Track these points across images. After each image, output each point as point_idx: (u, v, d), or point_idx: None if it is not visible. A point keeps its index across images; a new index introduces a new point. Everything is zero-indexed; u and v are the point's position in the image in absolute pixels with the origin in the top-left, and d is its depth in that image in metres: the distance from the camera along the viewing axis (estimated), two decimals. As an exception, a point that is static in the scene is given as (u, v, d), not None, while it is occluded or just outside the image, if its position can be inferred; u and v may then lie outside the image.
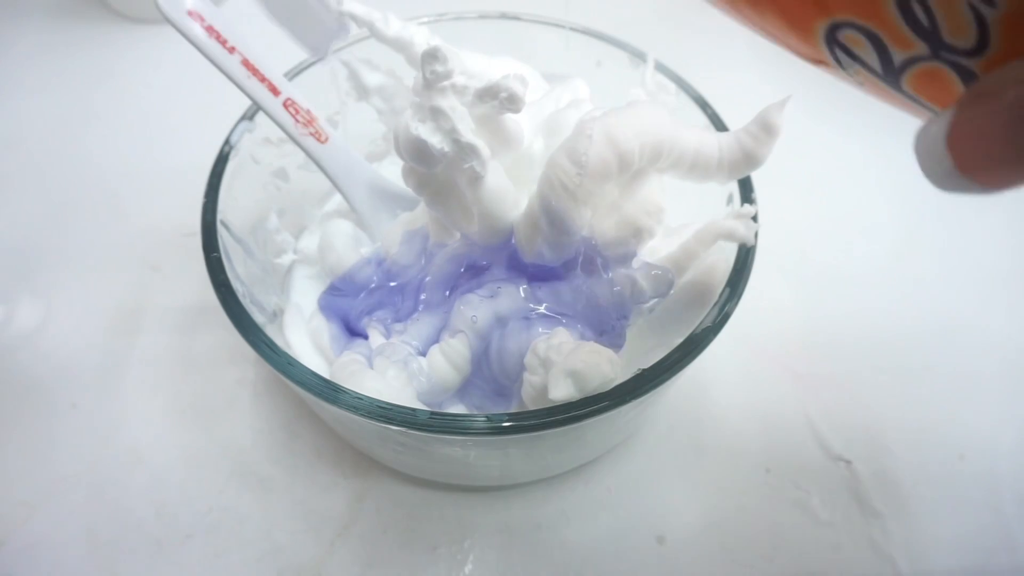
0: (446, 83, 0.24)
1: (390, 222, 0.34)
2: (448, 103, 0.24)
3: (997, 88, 0.13)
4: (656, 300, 0.28)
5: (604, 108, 0.26)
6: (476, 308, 0.27)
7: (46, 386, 0.36)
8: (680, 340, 0.25)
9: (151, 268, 0.40)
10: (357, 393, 0.24)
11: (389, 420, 0.23)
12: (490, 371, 0.28)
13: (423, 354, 0.29)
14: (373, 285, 0.32)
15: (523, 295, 0.27)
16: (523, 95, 0.24)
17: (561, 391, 0.23)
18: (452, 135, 0.24)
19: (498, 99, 0.24)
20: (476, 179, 0.25)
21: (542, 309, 0.27)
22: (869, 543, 0.32)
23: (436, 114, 0.24)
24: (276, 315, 0.32)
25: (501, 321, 0.27)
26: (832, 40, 0.17)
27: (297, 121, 0.31)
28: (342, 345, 0.31)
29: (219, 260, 0.27)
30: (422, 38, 0.33)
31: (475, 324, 0.27)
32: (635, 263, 0.28)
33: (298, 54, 0.34)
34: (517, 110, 0.25)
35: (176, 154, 0.44)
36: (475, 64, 0.30)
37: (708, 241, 0.27)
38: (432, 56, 0.24)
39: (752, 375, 0.37)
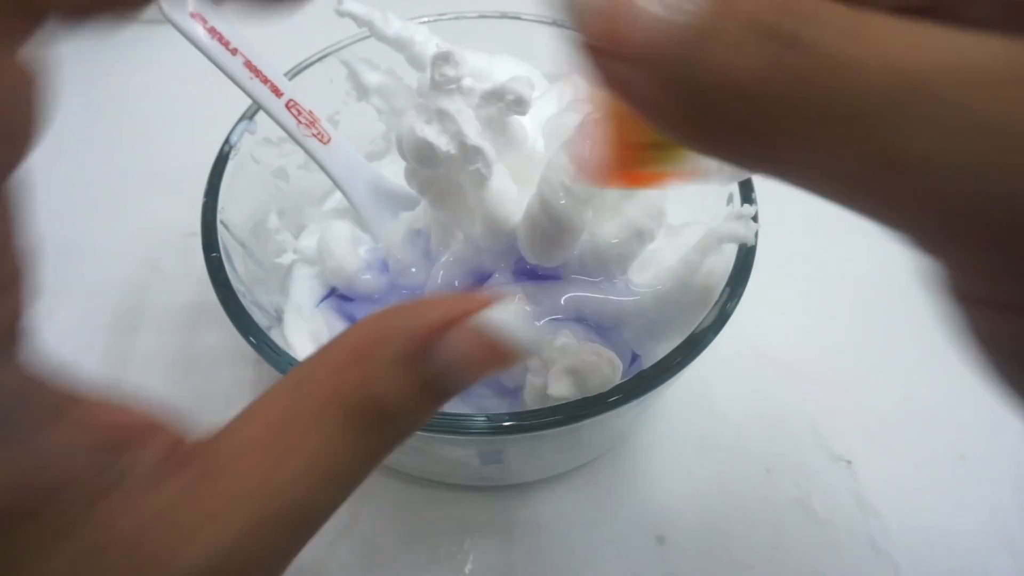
0: (453, 86, 0.24)
1: (392, 222, 0.34)
2: (454, 105, 0.24)
3: None
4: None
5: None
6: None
7: (46, 386, 0.36)
8: (680, 340, 0.25)
9: (151, 268, 0.40)
10: (357, 393, 0.24)
11: (389, 420, 0.23)
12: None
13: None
14: (377, 290, 0.32)
15: (528, 299, 0.27)
16: (530, 98, 0.24)
17: (560, 388, 0.24)
18: (458, 137, 0.24)
19: (505, 101, 0.24)
20: (481, 181, 0.25)
21: (547, 312, 0.27)
22: (869, 543, 0.32)
23: (442, 116, 0.24)
24: (279, 317, 0.32)
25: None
26: None
27: (300, 122, 0.31)
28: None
29: (219, 260, 0.27)
30: (422, 37, 0.33)
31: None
32: (636, 285, 0.28)
33: (298, 54, 0.34)
34: (523, 113, 0.25)
35: (176, 154, 0.44)
36: (477, 62, 0.30)
37: (708, 250, 0.27)
38: (444, 59, 0.24)
39: (752, 375, 0.37)
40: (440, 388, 0.14)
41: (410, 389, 0.14)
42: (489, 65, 0.31)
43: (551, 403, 0.24)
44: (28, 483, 0.12)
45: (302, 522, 0.13)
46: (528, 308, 0.15)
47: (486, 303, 0.14)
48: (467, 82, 0.25)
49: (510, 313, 0.14)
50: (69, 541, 0.12)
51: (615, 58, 0.11)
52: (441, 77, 0.24)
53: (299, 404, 0.13)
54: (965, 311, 0.12)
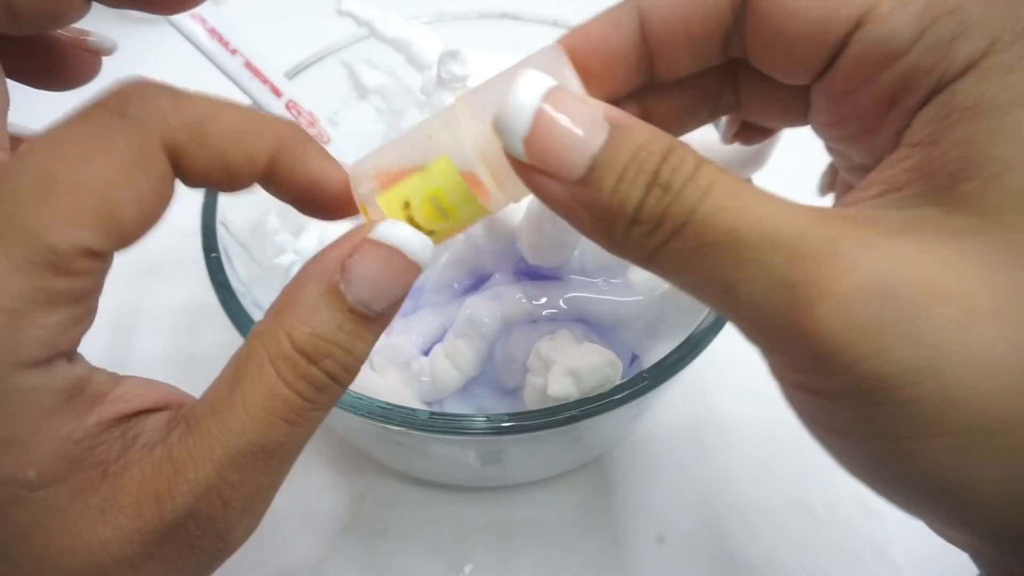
0: (459, 84, 0.24)
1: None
2: None
3: None
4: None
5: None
6: (481, 311, 0.27)
7: (46, 386, 0.36)
8: (680, 340, 0.25)
9: (151, 268, 0.40)
10: (357, 393, 0.24)
11: (389, 420, 0.23)
12: (494, 373, 0.28)
13: (426, 353, 0.29)
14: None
15: (527, 298, 0.27)
16: None
17: (560, 388, 0.24)
18: None
19: None
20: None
21: (545, 312, 0.27)
22: (869, 543, 0.32)
23: None
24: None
25: (506, 324, 0.27)
26: None
27: (300, 123, 0.31)
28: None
29: (219, 260, 0.27)
30: (422, 38, 0.33)
31: (480, 327, 0.27)
32: (636, 286, 0.28)
33: (298, 54, 0.34)
34: None
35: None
36: (481, 62, 0.30)
37: None
38: (451, 57, 0.24)
39: (752, 375, 0.36)
40: (367, 310, 0.16)
41: (339, 317, 0.16)
42: (490, 63, 0.31)
43: (551, 403, 0.24)
44: (72, 453, 0.15)
45: (266, 456, 0.16)
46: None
47: (374, 224, 0.16)
48: (473, 80, 0.25)
49: (396, 224, 0.16)
50: (94, 494, 0.15)
51: (535, 170, 0.15)
52: (447, 75, 0.24)
53: (247, 360, 0.16)
54: (784, 389, 0.16)
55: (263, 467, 0.16)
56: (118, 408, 0.16)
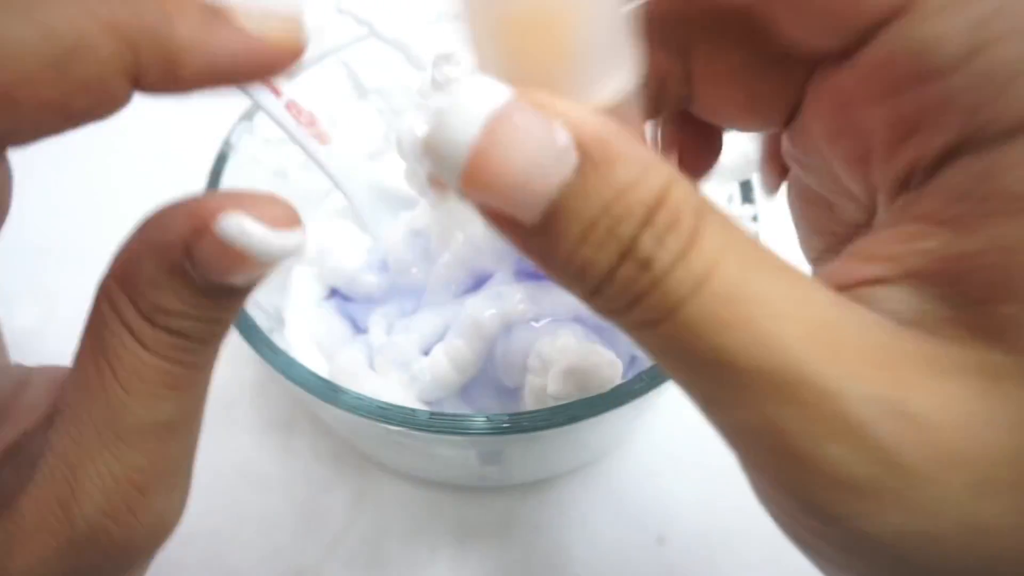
0: (455, 86, 0.24)
1: (392, 222, 0.34)
2: None
3: None
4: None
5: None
6: (481, 311, 0.27)
7: (46, 386, 0.36)
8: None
9: (151, 268, 0.40)
10: (357, 393, 0.24)
11: (389, 420, 0.23)
12: (494, 373, 0.28)
13: (426, 353, 0.29)
14: (378, 291, 0.32)
15: (527, 298, 0.27)
16: None
17: (560, 389, 0.24)
18: None
19: None
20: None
21: (546, 312, 0.27)
22: (869, 543, 0.32)
23: None
24: (279, 317, 0.32)
25: (506, 324, 0.27)
26: None
27: (299, 123, 0.31)
28: (344, 341, 0.31)
29: (219, 260, 0.27)
30: (422, 38, 0.33)
31: (480, 327, 0.27)
32: None
33: (298, 54, 0.34)
34: None
35: (176, 154, 0.44)
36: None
37: None
38: (446, 59, 0.24)
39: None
40: (218, 289, 0.14)
41: (191, 297, 0.13)
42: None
43: (551, 403, 0.24)
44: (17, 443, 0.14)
45: (167, 429, 0.14)
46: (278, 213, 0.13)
47: (224, 205, 0.13)
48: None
49: (241, 219, 0.13)
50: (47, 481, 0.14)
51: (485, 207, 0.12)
52: (442, 76, 0.24)
53: (104, 328, 0.14)
54: (755, 489, 0.15)
55: (169, 440, 0.14)
56: (7, 438, 0.14)
